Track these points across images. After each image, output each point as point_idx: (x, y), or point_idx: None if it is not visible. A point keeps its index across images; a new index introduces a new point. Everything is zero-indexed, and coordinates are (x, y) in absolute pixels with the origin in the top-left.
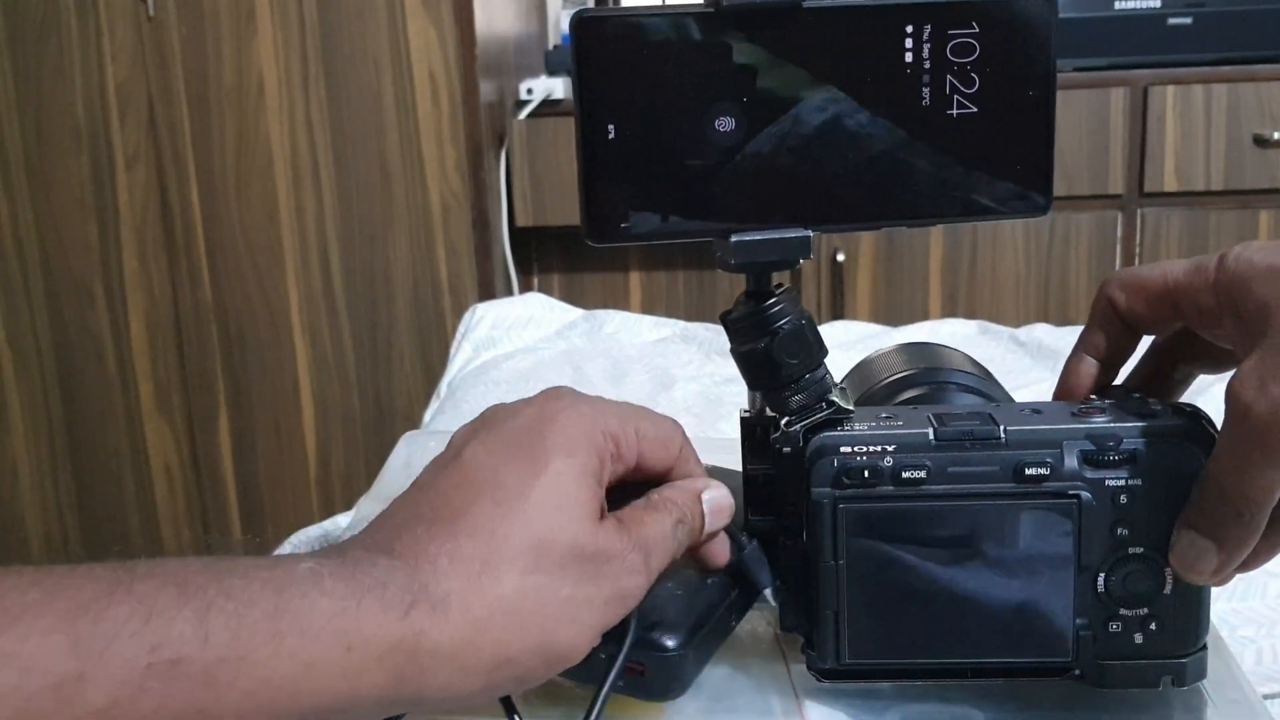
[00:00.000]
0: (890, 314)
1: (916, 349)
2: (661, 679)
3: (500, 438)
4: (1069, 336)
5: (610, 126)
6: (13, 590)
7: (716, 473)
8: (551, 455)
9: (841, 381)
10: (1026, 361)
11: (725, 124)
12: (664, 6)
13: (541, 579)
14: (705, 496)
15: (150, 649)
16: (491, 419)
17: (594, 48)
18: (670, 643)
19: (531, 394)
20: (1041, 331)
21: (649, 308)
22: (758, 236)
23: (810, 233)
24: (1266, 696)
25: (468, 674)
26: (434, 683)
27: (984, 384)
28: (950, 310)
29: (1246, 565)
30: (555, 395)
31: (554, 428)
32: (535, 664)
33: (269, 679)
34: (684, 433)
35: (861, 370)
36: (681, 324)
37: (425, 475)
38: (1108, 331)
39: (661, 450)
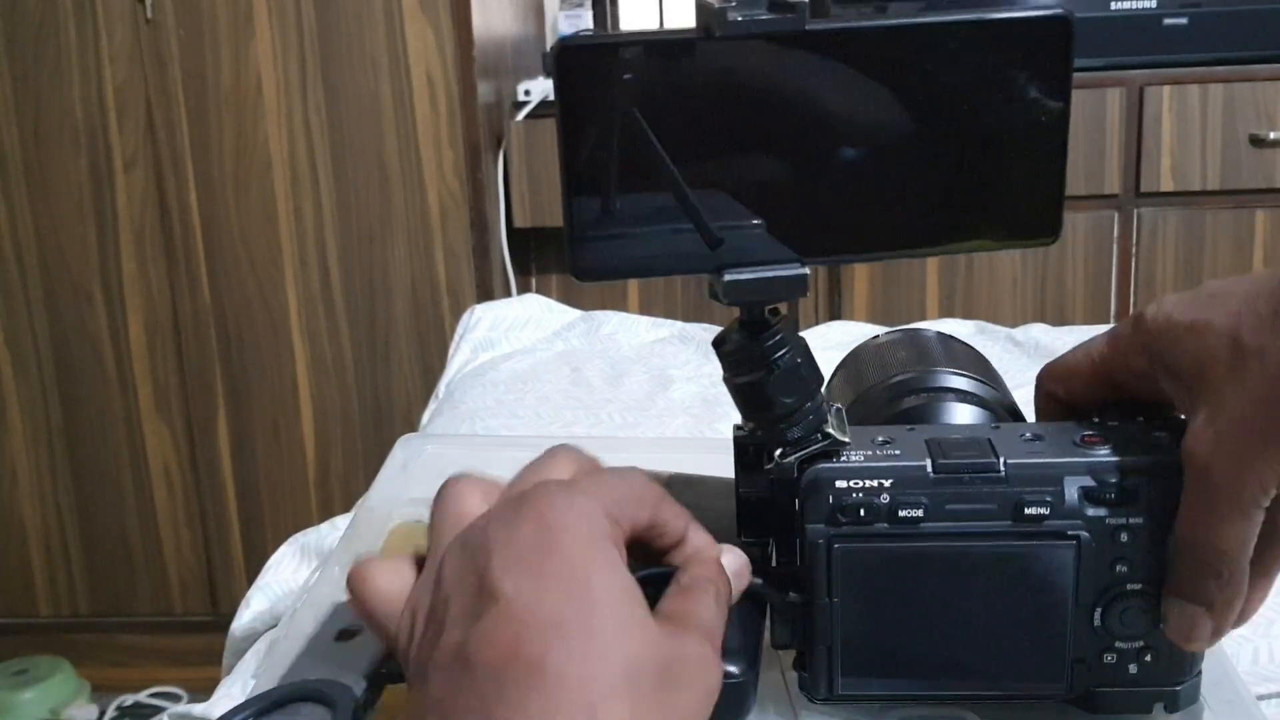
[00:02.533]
0: (888, 314)
1: (915, 343)
2: (730, 705)
3: (521, 565)
4: (1065, 337)
5: (596, 159)
6: None
7: (708, 483)
8: (587, 572)
9: (835, 373)
10: (1023, 361)
11: (718, 155)
12: (654, 32)
13: (643, 706)
14: (725, 562)
15: None
16: (486, 541)
17: (579, 76)
18: (735, 669)
19: (526, 400)
20: (1038, 331)
21: (647, 308)
22: (752, 275)
23: (806, 270)
24: (1262, 697)
25: None
26: None
27: (983, 387)
28: (947, 310)
29: (1238, 619)
30: (543, 493)
31: (567, 539)
32: None
33: None
34: (651, 480)
35: (857, 363)
36: (679, 324)
37: (459, 624)
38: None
39: (641, 509)
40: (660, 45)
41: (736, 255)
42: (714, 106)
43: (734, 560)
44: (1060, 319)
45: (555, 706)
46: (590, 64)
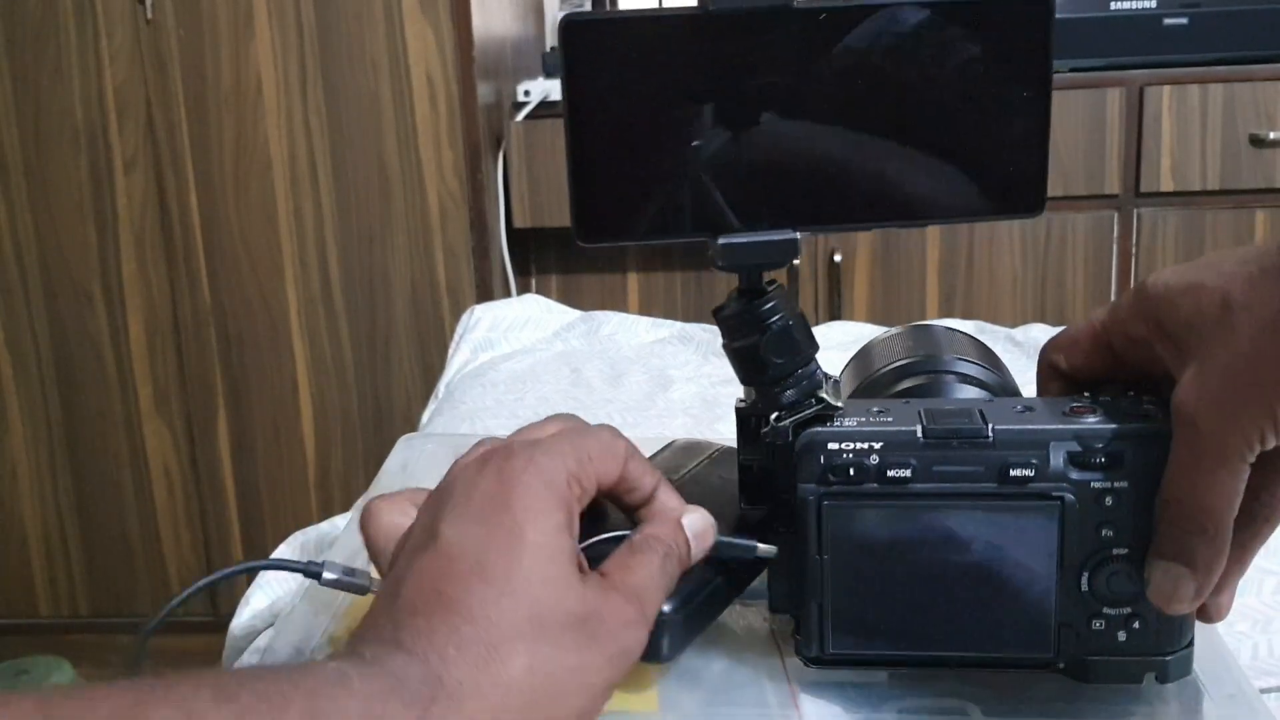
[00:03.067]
0: (888, 314)
1: (920, 334)
2: (654, 642)
3: (469, 513)
4: None
5: (599, 128)
6: (54, 701)
7: (692, 447)
8: (524, 525)
9: (847, 364)
10: (1023, 361)
11: (714, 125)
12: (653, 9)
13: (545, 653)
14: (686, 522)
15: None
16: (451, 489)
17: (582, 50)
18: (665, 608)
19: (526, 400)
20: (1038, 331)
21: (646, 309)
22: (745, 239)
23: (798, 235)
24: (1263, 691)
25: None
26: None
27: (986, 372)
28: (947, 310)
29: (1221, 585)
30: (507, 454)
31: (518, 493)
32: None
33: None
34: (621, 436)
35: (865, 355)
36: (679, 325)
37: (405, 560)
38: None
39: (611, 463)
40: (659, 20)
41: (731, 222)
42: (709, 80)
43: (697, 520)
44: (1060, 319)
45: (458, 640)
46: (593, 38)
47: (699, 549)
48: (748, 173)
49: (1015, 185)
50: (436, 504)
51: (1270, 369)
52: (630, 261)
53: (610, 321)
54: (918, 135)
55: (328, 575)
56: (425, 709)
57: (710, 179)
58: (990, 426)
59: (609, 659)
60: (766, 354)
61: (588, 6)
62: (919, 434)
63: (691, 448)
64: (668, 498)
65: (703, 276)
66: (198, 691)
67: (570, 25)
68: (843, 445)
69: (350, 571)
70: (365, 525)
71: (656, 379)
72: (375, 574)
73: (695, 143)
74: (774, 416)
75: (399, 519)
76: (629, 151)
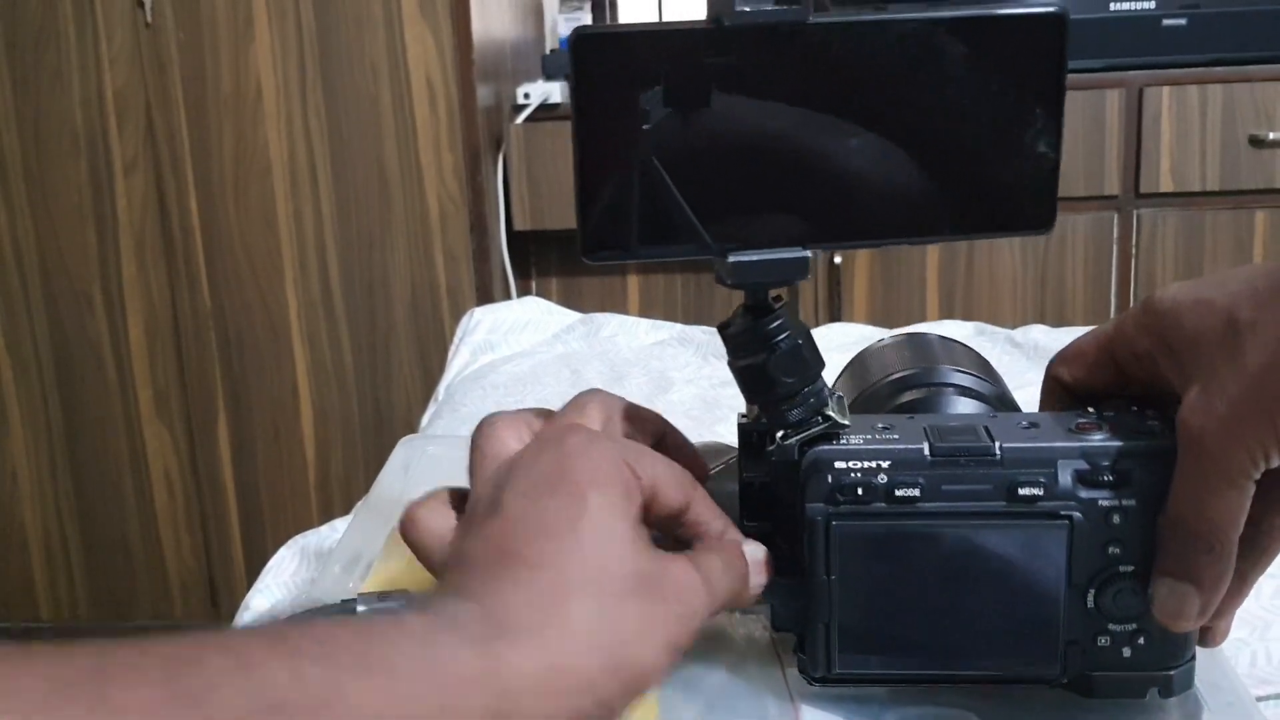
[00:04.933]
0: (887, 316)
1: (917, 344)
2: None
3: (531, 481)
4: (1065, 338)
5: (607, 142)
6: (106, 650)
7: (713, 449)
8: (586, 491)
9: (841, 374)
10: (1023, 363)
11: (725, 141)
12: (664, 23)
13: (609, 602)
14: (746, 550)
15: (250, 695)
16: (513, 467)
17: (593, 63)
18: None
19: (526, 402)
20: (1038, 333)
21: (646, 311)
22: (755, 257)
23: (808, 253)
24: (1261, 699)
25: (552, 701)
26: (521, 713)
27: (984, 384)
28: (947, 312)
29: (1221, 611)
30: (571, 431)
31: (580, 464)
32: (616, 687)
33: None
34: (692, 476)
35: (861, 364)
36: (679, 327)
37: (463, 528)
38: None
39: (675, 488)
40: (671, 35)
41: (741, 239)
42: (720, 95)
43: (755, 550)
44: (1060, 320)
45: (527, 594)
46: (604, 52)
47: (755, 578)
48: (758, 189)
49: (1026, 202)
50: (499, 477)
51: (1276, 386)
52: (630, 264)
53: (610, 324)
54: (930, 151)
55: (361, 609)
56: (486, 645)
57: (720, 195)
58: (998, 444)
59: (676, 617)
60: (774, 373)
61: (587, 10)
62: (926, 452)
63: (708, 453)
64: (733, 534)
65: (702, 279)
66: (249, 639)
67: (581, 38)
68: (850, 464)
69: (384, 596)
70: (408, 533)
71: (656, 381)
72: (411, 589)
73: (705, 158)
74: (780, 434)
75: (441, 521)
76: (637, 166)
